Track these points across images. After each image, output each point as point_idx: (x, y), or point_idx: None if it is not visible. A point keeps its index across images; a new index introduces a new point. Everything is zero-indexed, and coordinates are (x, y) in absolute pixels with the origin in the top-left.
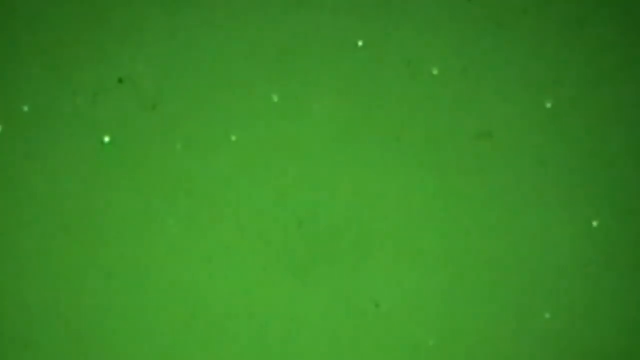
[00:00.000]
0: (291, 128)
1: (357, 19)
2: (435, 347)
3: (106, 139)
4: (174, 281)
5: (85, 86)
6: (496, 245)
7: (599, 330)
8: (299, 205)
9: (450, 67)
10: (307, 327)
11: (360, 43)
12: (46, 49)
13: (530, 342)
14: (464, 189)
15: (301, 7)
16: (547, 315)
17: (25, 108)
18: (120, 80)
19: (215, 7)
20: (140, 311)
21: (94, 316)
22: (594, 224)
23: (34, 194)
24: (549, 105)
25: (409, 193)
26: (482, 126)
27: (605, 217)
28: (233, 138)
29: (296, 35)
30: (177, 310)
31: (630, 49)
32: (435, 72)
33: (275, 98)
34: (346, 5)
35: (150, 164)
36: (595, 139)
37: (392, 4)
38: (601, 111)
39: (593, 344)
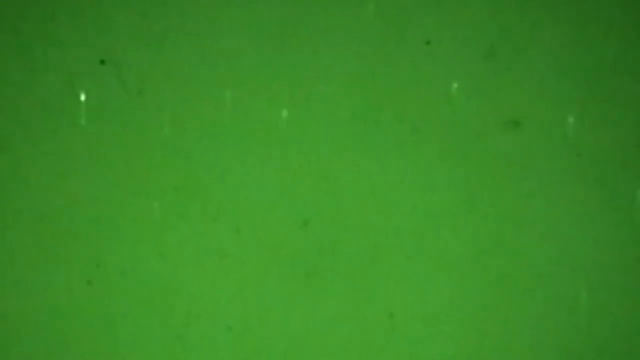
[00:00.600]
0: (295, 114)
1: None
2: None
3: (83, 122)
4: (162, 283)
5: (63, 67)
6: (527, 246)
7: None
8: (304, 202)
9: (474, 49)
10: (312, 340)
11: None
12: (21, 25)
13: (566, 354)
14: (489, 184)
15: None
16: (585, 324)
17: None
18: (102, 62)
19: None
20: (125, 315)
21: (72, 320)
22: (638, 219)
23: (3, 182)
24: (582, 91)
25: (427, 189)
26: (509, 115)
27: None
28: (228, 125)
29: (297, 5)
30: (168, 317)
31: None
32: (457, 53)
33: (276, 78)
34: None
35: (134, 151)
36: (635, 128)
37: None
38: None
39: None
